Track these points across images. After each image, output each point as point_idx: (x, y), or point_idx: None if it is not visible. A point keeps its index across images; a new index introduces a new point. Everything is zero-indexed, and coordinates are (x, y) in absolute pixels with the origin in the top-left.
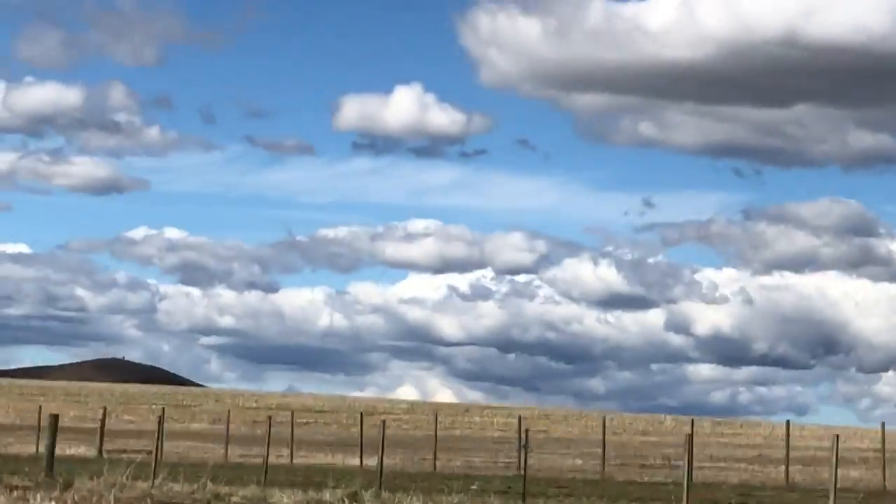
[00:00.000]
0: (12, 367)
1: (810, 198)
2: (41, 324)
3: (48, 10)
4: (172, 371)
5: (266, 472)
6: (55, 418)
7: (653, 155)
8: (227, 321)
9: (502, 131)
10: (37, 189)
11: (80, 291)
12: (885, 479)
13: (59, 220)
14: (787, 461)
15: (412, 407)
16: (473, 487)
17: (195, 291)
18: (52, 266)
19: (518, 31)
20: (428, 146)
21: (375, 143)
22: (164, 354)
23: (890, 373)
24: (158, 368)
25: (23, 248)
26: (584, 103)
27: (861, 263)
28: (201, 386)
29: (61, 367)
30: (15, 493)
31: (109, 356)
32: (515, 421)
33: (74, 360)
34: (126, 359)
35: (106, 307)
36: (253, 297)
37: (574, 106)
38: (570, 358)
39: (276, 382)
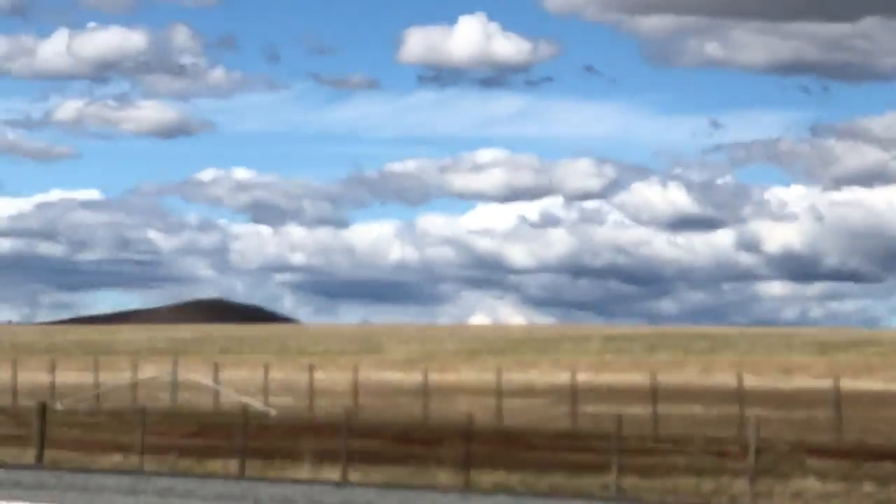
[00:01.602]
0: (105, 311)
1: (879, 112)
2: (115, 268)
3: None
4: (272, 310)
5: None
6: None
7: (719, 75)
8: (298, 258)
9: (568, 58)
10: (104, 135)
11: (152, 234)
12: None
13: (128, 164)
14: None
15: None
16: None
17: (266, 230)
18: (123, 210)
19: None
20: (493, 76)
21: (440, 75)
22: (239, 294)
23: None
24: (259, 308)
25: (94, 195)
26: (650, 26)
27: None
28: (292, 321)
29: (156, 309)
30: None
31: (207, 297)
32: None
33: (168, 303)
34: (224, 299)
35: (179, 249)
36: (324, 233)
37: (639, 29)
38: (640, 281)
39: (350, 316)
